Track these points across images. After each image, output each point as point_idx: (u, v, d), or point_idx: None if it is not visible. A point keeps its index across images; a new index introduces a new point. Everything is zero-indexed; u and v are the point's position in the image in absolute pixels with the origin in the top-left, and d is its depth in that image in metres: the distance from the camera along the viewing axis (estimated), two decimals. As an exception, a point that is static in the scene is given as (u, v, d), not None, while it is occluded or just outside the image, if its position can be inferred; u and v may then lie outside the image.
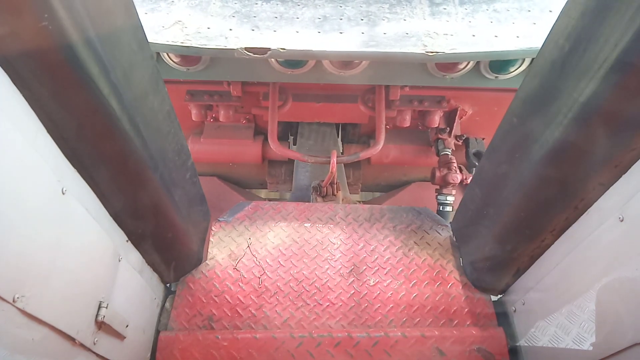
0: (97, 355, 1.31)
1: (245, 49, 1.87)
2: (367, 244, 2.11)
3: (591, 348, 1.35)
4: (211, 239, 2.09)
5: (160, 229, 1.63)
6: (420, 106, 2.69)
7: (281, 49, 1.87)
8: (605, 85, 1.09)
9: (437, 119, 2.78)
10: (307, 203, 2.33)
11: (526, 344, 1.72)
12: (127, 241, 1.53)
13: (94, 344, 1.28)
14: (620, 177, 1.24)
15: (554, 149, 1.28)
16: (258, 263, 2.01)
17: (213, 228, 2.13)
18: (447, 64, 2.18)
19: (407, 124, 2.77)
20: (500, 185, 1.60)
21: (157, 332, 1.79)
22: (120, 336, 1.44)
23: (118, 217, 1.44)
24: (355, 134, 3.16)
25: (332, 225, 2.18)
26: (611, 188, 1.29)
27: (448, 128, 2.83)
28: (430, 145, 2.95)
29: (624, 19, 0.99)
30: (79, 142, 1.17)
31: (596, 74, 1.09)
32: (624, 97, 1.09)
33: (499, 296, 1.99)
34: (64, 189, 1.10)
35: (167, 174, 1.49)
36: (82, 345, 1.22)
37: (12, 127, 0.93)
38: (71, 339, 1.16)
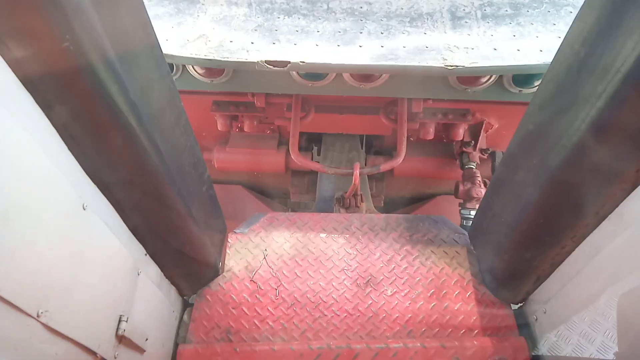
0: None
1: (266, 61, 1.91)
2: (384, 253, 2.10)
3: (615, 357, 1.32)
4: (227, 251, 2.10)
5: (178, 242, 1.64)
6: (445, 119, 2.67)
7: (301, 62, 1.91)
8: (623, 90, 1.08)
9: (461, 132, 2.75)
10: (322, 214, 2.32)
11: (549, 354, 1.69)
12: (145, 255, 1.55)
13: (115, 357, 1.29)
14: None
15: (573, 154, 1.27)
16: (275, 274, 2.01)
17: (229, 240, 2.14)
18: (469, 77, 2.17)
19: (430, 136, 2.75)
20: (517, 192, 1.58)
21: (176, 345, 1.80)
22: (140, 349, 1.45)
23: (137, 232, 1.45)
24: (380, 146, 3.14)
25: (347, 236, 2.18)
26: (633, 193, 1.26)
27: (473, 141, 2.80)
28: (454, 159, 2.92)
29: None
30: (99, 158, 1.19)
31: (614, 78, 1.08)
32: None
33: (520, 305, 1.95)
34: (85, 205, 1.12)
35: (184, 188, 1.51)
36: (103, 359, 1.23)
37: (35, 144, 0.96)
38: (93, 353, 1.17)
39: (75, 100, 1.04)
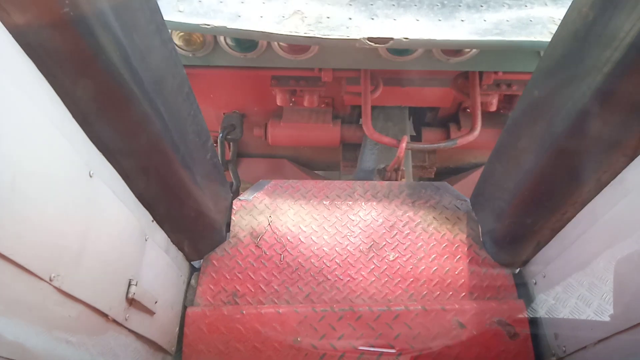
0: (129, 330, 1.37)
1: (368, 39, 1.83)
2: (386, 220, 2.13)
3: (611, 320, 1.36)
4: (233, 217, 2.13)
5: (184, 208, 1.67)
6: (508, 90, 2.63)
7: (404, 38, 1.84)
8: (630, 55, 1.06)
9: None
10: (325, 180, 2.34)
11: (547, 316, 1.73)
12: (152, 221, 1.57)
13: (126, 319, 1.33)
14: None
15: (577, 121, 1.26)
16: (279, 240, 2.05)
17: (234, 207, 2.17)
18: None
19: (493, 108, 2.71)
20: (520, 158, 1.58)
21: (184, 307, 1.86)
22: (150, 312, 1.50)
23: (143, 199, 1.48)
24: (432, 118, 3.08)
25: (350, 202, 2.20)
26: (635, 160, 1.26)
27: None
28: None
29: None
30: (103, 125, 1.20)
31: (622, 42, 1.06)
32: None
33: (519, 269, 1.99)
34: (91, 172, 1.14)
35: (188, 154, 1.52)
36: (114, 321, 1.28)
37: (40, 113, 0.96)
38: (104, 315, 1.22)
39: (76, 67, 1.04)
